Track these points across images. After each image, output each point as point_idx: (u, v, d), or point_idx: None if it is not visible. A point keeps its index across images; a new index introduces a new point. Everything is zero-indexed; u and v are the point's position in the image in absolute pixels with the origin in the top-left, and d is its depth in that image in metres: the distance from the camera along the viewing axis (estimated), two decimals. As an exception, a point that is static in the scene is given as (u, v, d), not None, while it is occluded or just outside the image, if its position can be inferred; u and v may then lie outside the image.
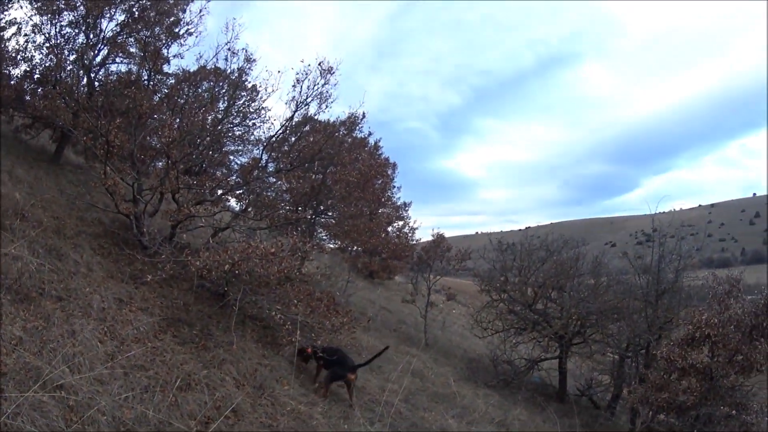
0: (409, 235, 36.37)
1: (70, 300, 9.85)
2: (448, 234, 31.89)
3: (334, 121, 20.79)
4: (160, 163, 17.21)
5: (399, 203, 36.86)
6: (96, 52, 18.90)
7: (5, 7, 17.64)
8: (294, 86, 16.31)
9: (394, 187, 35.64)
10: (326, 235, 23.45)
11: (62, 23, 18.78)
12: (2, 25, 18.69)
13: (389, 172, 33.24)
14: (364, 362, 12.55)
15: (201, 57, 18.12)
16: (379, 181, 27.49)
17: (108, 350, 8.95)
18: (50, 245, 11.74)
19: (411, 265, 36.10)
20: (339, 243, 25.14)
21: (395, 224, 35.94)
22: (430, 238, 30.72)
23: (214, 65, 17.26)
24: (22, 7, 18.21)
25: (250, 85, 17.44)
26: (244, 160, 20.16)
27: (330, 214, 21.70)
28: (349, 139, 22.43)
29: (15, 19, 18.76)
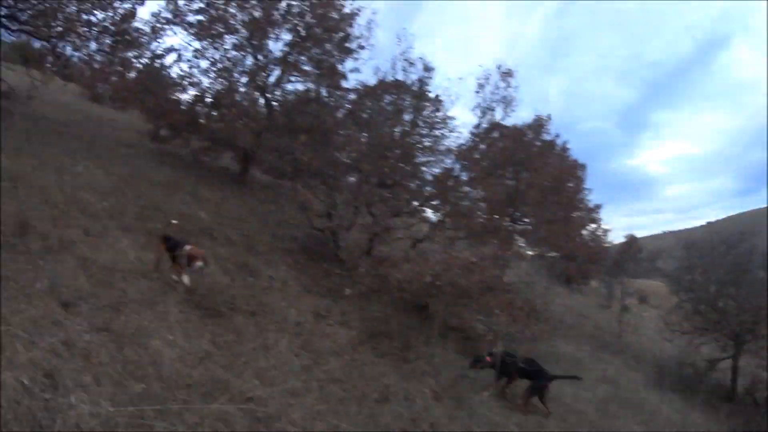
0: (602, 237, 35.31)
1: (264, 315, 9.98)
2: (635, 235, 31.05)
3: (520, 126, 20.43)
4: (351, 178, 17.37)
5: (591, 205, 35.83)
6: (268, 72, 19.22)
7: (159, 35, 18.39)
8: (477, 92, 16.13)
9: (585, 189, 34.65)
10: (524, 242, 23.07)
11: (226, 47, 19.37)
12: (160, 52, 19.45)
13: (580, 174, 32.34)
14: (560, 376, 11.95)
15: (379, 70, 18.11)
16: (571, 184, 26.79)
17: (304, 363, 8.94)
18: (242, 262, 11.94)
19: (605, 269, 35.01)
20: (537, 250, 24.71)
21: (588, 227, 35.01)
22: (619, 240, 29.88)
23: (394, 77, 17.17)
24: (176, 34, 18.89)
25: (432, 95, 17.24)
26: (436, 170, 20.05)
27: (526, 220, 21.36)
28: (538, 143, 22.03)
29: (172, 46, 19.41)
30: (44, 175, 12.44)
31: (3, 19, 16.43)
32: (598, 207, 34.53)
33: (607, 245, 35.23)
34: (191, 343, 7.81)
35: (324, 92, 18.79)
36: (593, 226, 34.52)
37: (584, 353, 17.48)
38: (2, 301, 6.75)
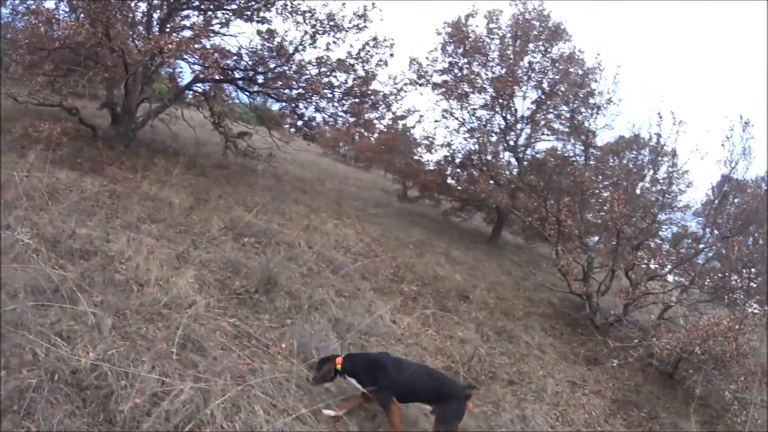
0: None
1: (522, 384, 9.92)
2: None
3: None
4: (597, 239, 17.22)
5: None
6: (518, 131, 19.95)
7: (400, 97, 18.95)
8: (722, 145, 15.58)
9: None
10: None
11: (473, 107, 20.22)
12: (402, 113, 20.75)
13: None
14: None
15: (633, 126, 17.97)
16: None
17: None
18: (499, 327, 12.01)
19: None
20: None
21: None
22: None
23: (635, 134, 17.19)
24: (422, 94, 19.74)
25: (670, 149, 16.83)
26: (674, 229, 19.46)
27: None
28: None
29: (414, 107, 20.38)
30: (292, 233, 13.11)
31: (240, 82, 18.13)
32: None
33: None
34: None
35: (577, 151, 18.85)
36: None
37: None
38: (241, 357, 7.14)
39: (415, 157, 22.83)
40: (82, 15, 14.82)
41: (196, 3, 16.82)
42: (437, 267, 14.68)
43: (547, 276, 16.41)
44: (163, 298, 7.88)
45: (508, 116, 19.89)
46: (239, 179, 16.76)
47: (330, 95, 17.65)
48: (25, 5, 16.35)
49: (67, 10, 16.24)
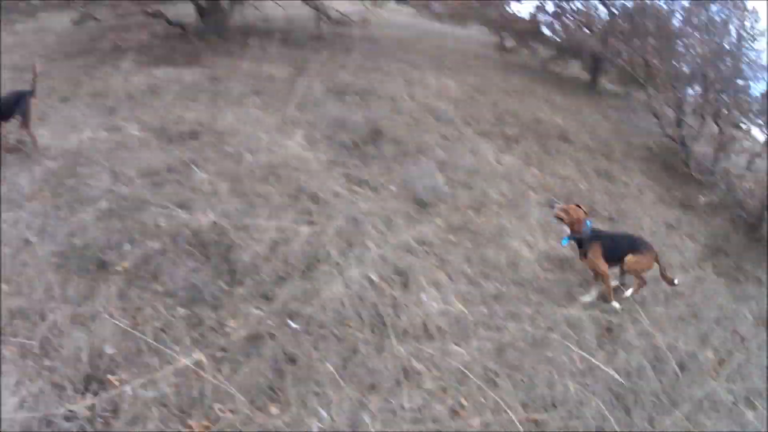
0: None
1: (620, 221, 10.20)
2: None
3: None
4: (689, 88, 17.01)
5: None
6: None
7: None
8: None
9: None
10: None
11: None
12: None
13: None
14: None
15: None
16: None
17: (654, 275, 7.98)
18: (599, 168, 12.32)
19: None
20: None
21: None
22: None
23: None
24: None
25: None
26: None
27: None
28: None
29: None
30: (393, 87, 13.55)
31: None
32: None
33: None
34: (551, 246, 8.16)
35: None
36: None
37: None
38: (353, 202, 7.66)
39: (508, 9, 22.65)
40: None
41: None
42: (538, 112, 14.88)
43: (643, 121, 16.40)
44: (275, 159, 8.57)
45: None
46: (337, 46, 17.04)
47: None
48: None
49: None
